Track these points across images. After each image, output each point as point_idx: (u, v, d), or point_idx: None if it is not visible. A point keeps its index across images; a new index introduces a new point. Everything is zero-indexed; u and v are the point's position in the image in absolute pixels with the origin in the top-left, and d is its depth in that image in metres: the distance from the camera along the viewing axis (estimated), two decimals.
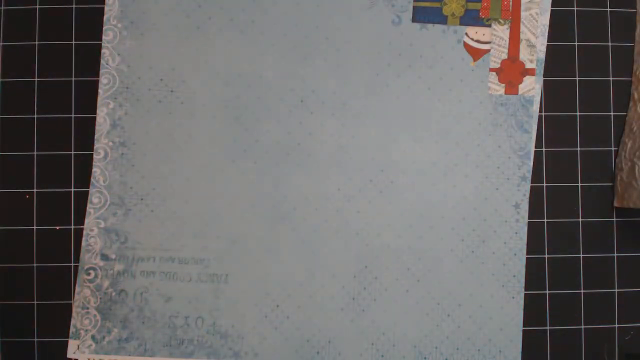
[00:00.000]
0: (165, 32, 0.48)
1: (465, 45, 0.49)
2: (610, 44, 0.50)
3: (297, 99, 0.49)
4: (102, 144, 0.48)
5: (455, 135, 0.49)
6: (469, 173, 0.49)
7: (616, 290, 0.49)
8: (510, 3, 0.49)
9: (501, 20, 0.49)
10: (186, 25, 0.49)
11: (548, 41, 0.50)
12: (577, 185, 0.50)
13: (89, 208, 0.47)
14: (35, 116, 0.48)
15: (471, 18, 0.49)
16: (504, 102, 0.49)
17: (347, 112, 0.49)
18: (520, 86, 0.49)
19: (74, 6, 0.49)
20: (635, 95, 0.49)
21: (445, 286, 0.48)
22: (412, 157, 0.49)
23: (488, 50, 0.49)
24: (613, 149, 0.50)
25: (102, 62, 0.48)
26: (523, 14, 0.49)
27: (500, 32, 0.49)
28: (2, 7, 0.49)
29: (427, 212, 0.49)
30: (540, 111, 0.50)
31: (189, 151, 0.48)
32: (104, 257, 0.47)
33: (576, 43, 0.50)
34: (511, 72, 0.49)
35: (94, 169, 0.47)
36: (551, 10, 0.50)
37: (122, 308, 0.47)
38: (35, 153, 0.48)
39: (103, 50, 0.48)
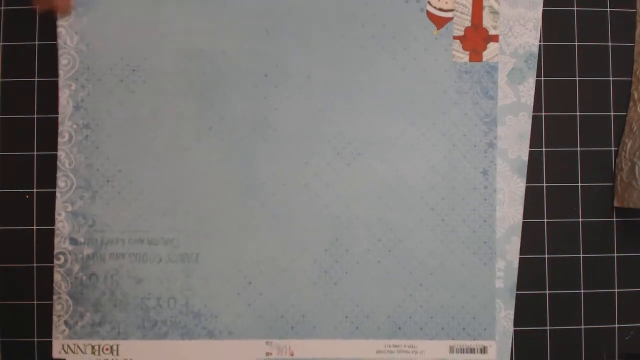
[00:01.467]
0: (123, 8, 0.48)
1: (428, 13, 0.49)
2: (610, 44, 0.50)
3: (261, 73, 0.48)
4: (66, 126, 0.47)
5: (421, 105, 0.49)
6: (436, 142, 0.49)
7: (616, 290, 0.49)
8: None
9: None
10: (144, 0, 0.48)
11: (548, 41, 0.50)
12: (577, 185, 0.50)
13: (56, 192, 0.47)
14: (35, 116, 0.48)
15: None
16: (468, 69, 0.49)
17: (312, 85, 0.48)
18: (484, 53, 0.49)
19: None
20: (635, 95, 0.49)
21: (416, 256, 0.48)
22: (378, 128, 0.49)
23: (451, 18, 0.49)
24: (613, 149, 0.50)
25: (60, 42, 0.47)
26: None
27: None
28: (2, 7, 0.48)
29: (396, 183, 0.49)
30: (540, 111, 0.50)
31: (153, 130, 0.48)
32: (73, 241, 0.47)
33: (576, 43, 0.50)
34: (475, 39, 0.49)
35: (59, 152, 0.47)
36: (551, 10, 0.50)
37: (93, 292, 0.47)
38: (35, 153, 0.48)
39: (59, 30, 0.47)
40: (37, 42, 0.48)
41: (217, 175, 0.48)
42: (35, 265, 0.47)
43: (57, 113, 0.47)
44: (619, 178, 0.49)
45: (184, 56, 0.48)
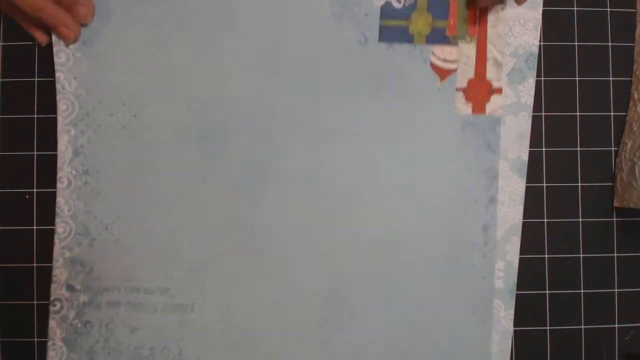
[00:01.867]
0: (124, 53, 0.47)
1: (432, 64, 0.49)
2: (610, 44, 0.50)
3: (264, 118, 0.48)
4: (65, 172, 0.47)
5: (423, 157, 0.48)
6: (437, 195, 0.48)
7: (616, 290, 0.49)
8: (477, 19, 0.49)
9: (468, 38, 0.49)
10: (146, 45, 0.47)
11: (548, 41, 0.50)
12: (577, 185, 0.50)
13: (55, 238, 0.46)
14: (35, 116, 0.48)
15: (438, 36, 0.49)
16: (471, 122, 0.49)
17: (315, 132, 0.48)
18: (488, 105, 0.49)
19: None
20: (635, 95, 0.49)
21: (414, 310, 0.48)
22: (380, 179, 0.48)
23: (455, 70, 0.49)
24: (613, 149, 0.50)
25: (58, 86, 0.47)
26: (489, 31, 0.49)
27: (467, 50, 0.49)
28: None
29: (396, 234, 0.48)
30: (540, 111, 0.50)
31: (154, 177, 0.47)
32: (70, 287, 0.46)
33: (576, 43, 0.50)
34: (478, 91, 0.49)
35: (57, 199, 0.47)
36: (551, 10, 0.50)
37: (87, 339, 0.46)
38: (35, 153, 0.48)
39: (57, 75, 0.47)
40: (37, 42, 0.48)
41: (216, 224, 0.47)
42: (35, 265, 0.47)
43: (57, 113, 0.47)
44: (619, 178, 0.49)
45: (186, 102, 0.48)
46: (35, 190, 0.48)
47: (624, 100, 0.50)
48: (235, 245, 0.47)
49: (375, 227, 0.48)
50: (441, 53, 0.49)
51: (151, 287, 0.47)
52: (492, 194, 0.48)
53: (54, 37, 0.46)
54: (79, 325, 0.46)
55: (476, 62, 0.49)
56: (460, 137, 0.49)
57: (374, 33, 0.48)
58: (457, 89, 0.49)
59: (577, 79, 0.50)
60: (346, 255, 0.48)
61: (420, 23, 0.48)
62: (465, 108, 0.49)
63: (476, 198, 0.48)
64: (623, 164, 0.49)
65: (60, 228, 0.47)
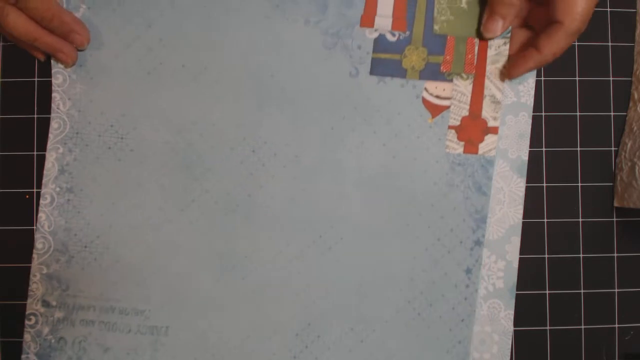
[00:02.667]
0: (116, 77, 0.47)
1: (424, 100, 0.47)
2: (610, 44, 0.50)
3: (249, 149, 0.47)
4: (49, 189, 0.47)
5: (408, 194, 0.47)
6: (421, 234, 0.47)
7: (616, 290, 0.49)
8: (475, 56, 0.47)
9: (464, 75, 0.47)
10: (137, 69, 0.47)
11: None
12: (577, 185, 0.50)
13: (34, 253, 0.47)
14: (35, 116, 0.48)
15: (432, 72, 0.47)
16: (462, 161, 0.47)
17: (299, 165, 0.47)
18: (481, 145, 0.47)
19: None
20: (635, 95, 0.49)
21: (389, 348, 0.47)
22: (363, 215, 0.47)
23: (448, 107, 0.47)
24: (613, 149, 0.49)
25: (53, 106, 0.47)
26: (489, 67, 0.47)
27: (462, 87, 0.47)
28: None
29: (376, 272, 0.47)
30: (540, 111, 0.50)
31: (136, 200, 0.47)
32: (45, 303, 0.47)
33: (576, 43, 0.50)
34: (471, 130, 0.47)
35: (39, 214, 0.47)
36: None
37: (60, 356, 0.47)
38: (35, 153, 0.48)
39: (54, 95, 0.47)
40: None
41: (195, 250, 0.47)
42: None
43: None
44: (619, 178, 0.48)
45: (173, 127, 0.47)
46: (35, 190, 0.48)
47: (624, 100, 0.49)
48: (212, 272, 0.47)
49: (354, 264, 0.47)
50: (434, 89, 0.47)
51: (126, 307, 0.47)
52: (478, 237, 0.47)
53: (52, 59, 0.47)
54: (53, 341, 0.47)
55: (471, 100, 0.47)
56: (448, 176, 0.47)
57: (366, 66, 0.47)
58: (450, 127, 0.47)
59: (577, 79, 0.50)
60: (322, 291, 0.47)
61: (414, 57, 0.47)
62: (456, 147, 0.47)
63: (461, 239, 0.47)
64: (623, 164, 0.48)
65: (39, 244, 0.47)
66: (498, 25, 0.45)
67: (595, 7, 0.47)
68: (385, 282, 0.47)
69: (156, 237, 0.47)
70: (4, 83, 0.49)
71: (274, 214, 0.47)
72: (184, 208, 0.47)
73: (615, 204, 0.49)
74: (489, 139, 0.47)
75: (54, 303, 0.47)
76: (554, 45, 0.41)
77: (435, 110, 0.47)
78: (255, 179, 0.47)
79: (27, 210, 0.48)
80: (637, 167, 0.47)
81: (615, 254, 0.49)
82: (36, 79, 0.49)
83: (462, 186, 0.47)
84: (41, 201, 0.47)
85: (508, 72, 0.46)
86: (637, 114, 0.48)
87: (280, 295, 0.47)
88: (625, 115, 0.49)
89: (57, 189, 0.47)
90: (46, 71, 0.48)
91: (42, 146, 0.48)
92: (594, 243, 0.49)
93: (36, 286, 0.47)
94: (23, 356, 0.47)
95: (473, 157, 0.47)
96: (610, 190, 0.49)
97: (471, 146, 0.47)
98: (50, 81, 0.48)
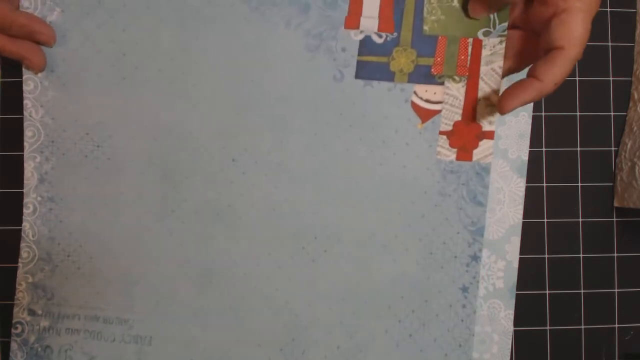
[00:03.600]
0: (89, 83, 0.46)
1: (413, 105, 0.44)
2: (610, 44, 0.49)
3: (229, 157, 0.46)
4: (30, 198, 0.47)
5: (397, 204, 0.45)
6: (410, 247, 0.45)
7: (616, 290, 0.49)
8: (469, 57, 0.43)
9: (456, 77, 0.44)
10: (111, 75, 0.46)
11: None
12: (577, 185, 0.50)
13: (19, 262, 0.47)
14: None
15: (422, 75, 0.44)
16: (454, 169, 0.44)
17: (281, 173, 0.45)
18: (475, 151, 0.44)
19: None
20: (635, 95, 0.48)
21: None
22: (348, 225, 0.45)
23: (439, 111, 0.44)
24: (613, 149, 0.49)
25: (25, 114, 0.46)
26: (483, 68, 0.43)
27: (455, 90, 0.44)
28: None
29: (362, 286, 0.45)
30: (540, 111, 0.49)
31: (116, 208, 0.46)
32: (31, 312, 0.47)
33: None
34: (465, 135, 0.44)
35: (23, 224, 0.47)
36: None
37: None
38: None
39: (25, 102, 0.46)
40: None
41: (176, 260, 0.46)
42: None
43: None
44: (619, 178, 0.48)
45: (149, 135, 0.46)
46: None
47: (624, 100, 0.49)
48: (194, 283, 0.46)
49: (340, 276, 0.45)
50: (424, 93, 0.44)
51: (110, 316, 0.46)
52: (474, 251, 0.44)
53: (23, 66, 0.46)
54: (39, 349, 0.47)
55: (464, 103, 0.44)
56: (440, 184, 0.44)
57: (351, 69, 0.44)
58: (441, 133, 0.44)
59: (577, 79, 0.49)
60: (306, 306, 0.46)
61: (403, 60, 0.44)
62: (448, 153, 0.44)
63: (455, 254, 0.44)
64: (623, 164, 0.48)
65: (24, 253, 0.47)
66: None
67: None
68: (373, 298, 0.45)
69: (137, 247, 0.46)
70: (4, 83, 0.49)
71: (255, 224, 0.46)
72: (164, 218, 0.46)
73: (615, 204, 0.49)
74: (484, 144, 0.44)
75: (39, 312, 0.47)
76: (556, 71, 0.37)
77: (425, 114, 0.44)
78: (235, 188, 0.46)
79: None
80: (637, 167, 0.46)
81: (615, 254, 0.49)
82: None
83: (455, 195, 0.44)
84: (24, 210, 0.47)
85: (501, 106, 0.40)
86: (637, 114, 0.48)
87: (263, 309, 0.46)
88: (625, 115, 0.49)
89: (39, 198, 0.47)
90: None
91: None
92: (594, 243, 0.49)
93: (22, 295, 0.47)
94: None
95: (467, 164, 0.44)
96: (610, 190, 0.49)
97: (464, 153, 0.44)
98: None
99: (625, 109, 0.49)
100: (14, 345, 0.47)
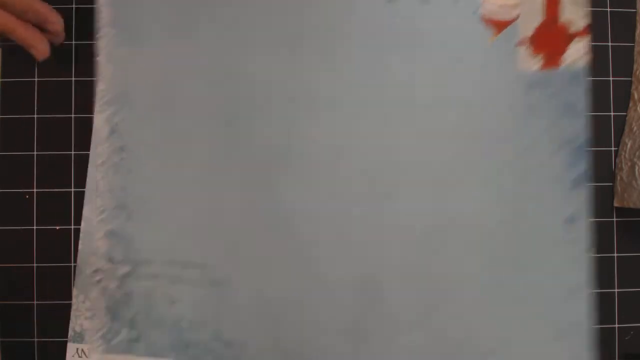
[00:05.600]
0: (155, 37, 0.46)
1: (483, 15, 0.38)
2: (610, 44, 0.48)
3: (287, 97, 0.43)
4: (101, 149, 0.47)
5: (475, 127, 0.39)
6: (497, 173, 0.39)
7: (616, 290, 0.48)
8: None
9: None
10: (173, 27, 0.46)
11: None
12: None
13: (94, 211, 0.48)
14: (35, 116, 0.49)
15: None
16: (540, 80, 0.38)
17: (341, 108, 0.42)
18: (564, 56, 0.38)
19: (73, 6, 0.48)
20: (635, 95, 0.48)
21: (465, 325, 0.40)
22: (421, 157, 0.41)
23: (515, 18, 0.38)
24: (613, 149, 0.48)
25: (100, 69, 0.47)
26: None
27: None
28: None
29: (441, 227, 0.40)
30: None
31: (186, 156, 0.46)
32: (110, 259, 0.48)
33: None
34: (550, 39, 0.38)
35: (96, 174, 0.47)
36: None
37: (129, 310, 0.47)
38: (35, 153, 0.49)
39: (99, 57, 0.47)
40: None
41: (245, 204, 0.45)
42: (35, 265, 0.49)
43: (57, 113, 0.48)
44: (619, 178, 0.48)
45: (211, 82, 0.45)
46: (35, 190, 0.49)
47: (624, 100, 0.48)
48: (263, 227, 0.45)
49: (415, 216, 0.41)
50: None
51: (188, 261, 0.46)
52: (579, 173, 0.38)
53: (96, 24, 0.47)
54: (120, 295, 0.48)
55: (546, 2, 0.37)
56: (525, 99, 0.38)
57: None
58: (520, 42, 0.38)
59: None
60: (379, 248, 0.42)
61: None
62: (530, 64, 0.38)
63: (555, 178, 0.38)
64: (623, 164, 0.47)
65: (99, 202, 0.48)
66: None
67: (595, 7, 0.46)
68: (454, 237, 0.40)
69: (208, 192, 0.46)
70: (4, 83, 0.49)
71: (318, 164, 0.43)
72: (231, 163, 0.45)
73: (615, 204, 0.48)
74: (575, 46, 0.37)
75: (119, 258, 0.48)
76: None
77: (499, 24, 0.38)
78: (295, 128, 0.43)
79: (27, 210, 0.49)
80: (637, 167, 0.46)
81: (615, 254, 0.48)
82: (36, 79, 0.48)
83: (545, 109, 0.38)
84: (96, 160, 0.47)
85: None
86: (637, 114, 0.47)
87: (332, 254, 0.43)
88: (625, 115, 0.48)
89: (110, 149, 0.47)
90: (46, 71, 0.48)
91: (42, 146, 0.48)
92: (594, 243, 0.47)
93: (101, 242, 0.48)
94: (89, 314, 0.48)
95: (555, 73, 0.38)
96: (610, 190, 0.48)
97: (551, 60, 0.38)
98: (51, 81, 0.48)
99: (625, 109, 0.48)
100: (94, 294, 0.48)
